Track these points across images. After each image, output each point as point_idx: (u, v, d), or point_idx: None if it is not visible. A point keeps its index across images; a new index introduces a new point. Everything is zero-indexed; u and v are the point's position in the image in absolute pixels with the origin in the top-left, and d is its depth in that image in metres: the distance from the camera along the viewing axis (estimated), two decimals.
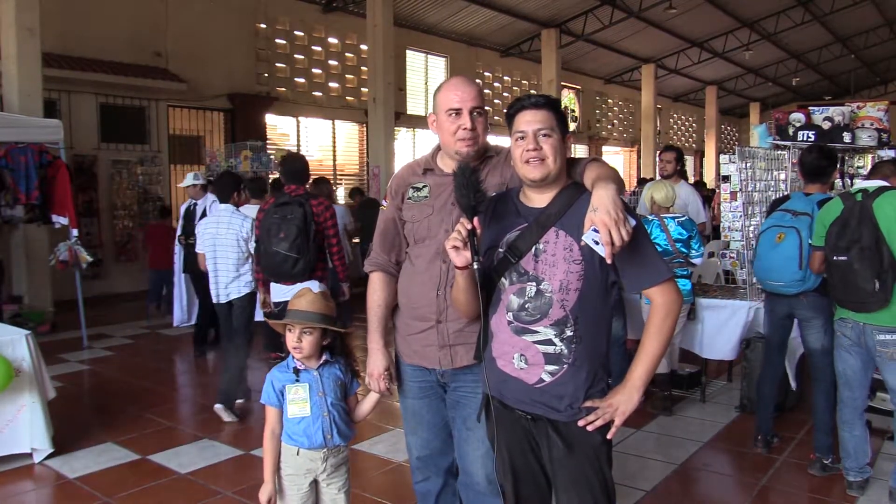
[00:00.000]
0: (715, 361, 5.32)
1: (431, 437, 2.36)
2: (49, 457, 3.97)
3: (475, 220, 1.86)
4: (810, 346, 3.81)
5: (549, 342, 1.86)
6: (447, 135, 2.16)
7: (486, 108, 2.22)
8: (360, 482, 3.51)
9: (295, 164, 4.63)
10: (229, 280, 4.74)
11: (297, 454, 2.33)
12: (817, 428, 3.75)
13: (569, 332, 1.86)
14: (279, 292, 4.37)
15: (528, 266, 1.90)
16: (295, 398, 2.31)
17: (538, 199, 1.95)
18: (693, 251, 4.51)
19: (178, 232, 7.11)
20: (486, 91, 16.04)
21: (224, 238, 4.74)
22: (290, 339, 2.30)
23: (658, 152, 5.73)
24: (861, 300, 3.21)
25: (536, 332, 1.87)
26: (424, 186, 2.26)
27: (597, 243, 1.73)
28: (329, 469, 2.37)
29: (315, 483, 2.38)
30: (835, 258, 3.29)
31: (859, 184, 3.68)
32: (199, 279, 6.37)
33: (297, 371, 2.33)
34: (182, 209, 7.13)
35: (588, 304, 1.86)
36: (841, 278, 3.28)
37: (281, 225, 4.20)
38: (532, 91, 16.35)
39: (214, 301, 4.86)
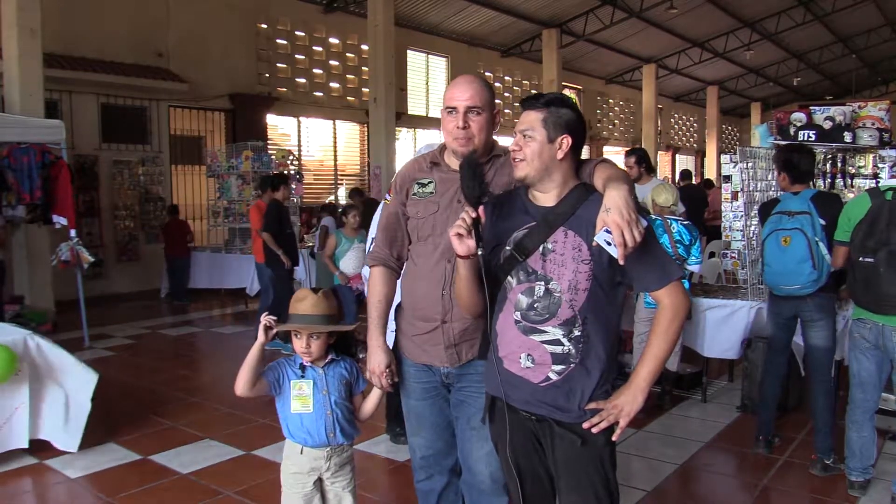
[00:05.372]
0: (716, 362, 5.32)
1: (435, 438, 2.35)
2: (50, 456, 3.97)
3: (480, 209, 1.85)
4: (813, 345, 3.78)
5: (556, 342, 1.86)
6: (445, 131, 2.18)
7: (497, 106, 2.21)
8: (361, 482, 3.50)
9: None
10: None
11: (301, 452, 2.33)
12: (817, 428, 3.74)
13: (577, 332, 1.85)
14: None
15: (535, 265, 1.89)
16: (298, 394, 2.30)
17: (546, 198, 1.94)
18: (692, 257, 4.52)
19: None
20: None
21: None
22: (298, 344, 2.28)
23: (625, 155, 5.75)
24: (883, 302, 3.16)
25: (545, 331, 1.86)
26: (430, 182, 2.25)
27: (609, 244, 1.72)
28: (333, 468, 2.36)
29: (319, 482, 2.38)
30: (861, 259, 3.21)
31: (888, 181, 3.60)
32: None
33: (302, 367, 2.33)
34: None
35: (596, 304, 1.85)
36: (864, 279, 3.22)
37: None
38: (532, 91, 16.36)
39: None
